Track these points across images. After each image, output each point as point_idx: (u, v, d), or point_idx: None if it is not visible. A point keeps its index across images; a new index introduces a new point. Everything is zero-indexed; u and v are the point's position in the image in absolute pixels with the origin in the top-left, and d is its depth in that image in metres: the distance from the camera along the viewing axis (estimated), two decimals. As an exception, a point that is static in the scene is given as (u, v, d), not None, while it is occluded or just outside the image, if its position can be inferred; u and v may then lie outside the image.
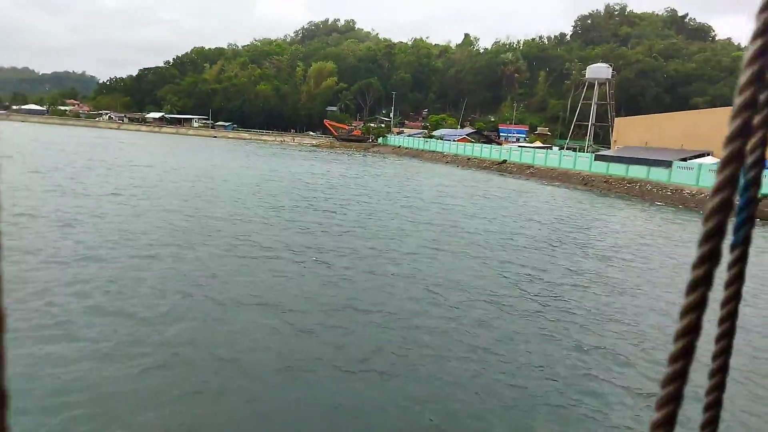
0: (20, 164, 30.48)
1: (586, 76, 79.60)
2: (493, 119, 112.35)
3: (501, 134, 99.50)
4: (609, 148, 63.80)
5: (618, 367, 8.38)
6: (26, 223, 15.25)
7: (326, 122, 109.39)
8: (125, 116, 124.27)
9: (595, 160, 47.04)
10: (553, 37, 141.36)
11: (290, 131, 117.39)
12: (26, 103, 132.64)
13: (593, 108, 76.97)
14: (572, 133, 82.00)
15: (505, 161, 59.11)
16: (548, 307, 11.02)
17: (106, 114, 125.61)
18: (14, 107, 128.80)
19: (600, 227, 22.85)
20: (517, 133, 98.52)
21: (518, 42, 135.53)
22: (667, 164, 38.39)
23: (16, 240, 13.19)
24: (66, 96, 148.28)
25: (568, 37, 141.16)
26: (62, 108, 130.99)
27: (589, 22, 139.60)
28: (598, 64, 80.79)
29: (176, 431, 6.12)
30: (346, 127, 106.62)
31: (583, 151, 62.57)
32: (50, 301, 9.33)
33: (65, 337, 8.02)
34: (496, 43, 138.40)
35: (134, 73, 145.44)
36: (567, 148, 67.23)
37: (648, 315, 11.02)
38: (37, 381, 6.74)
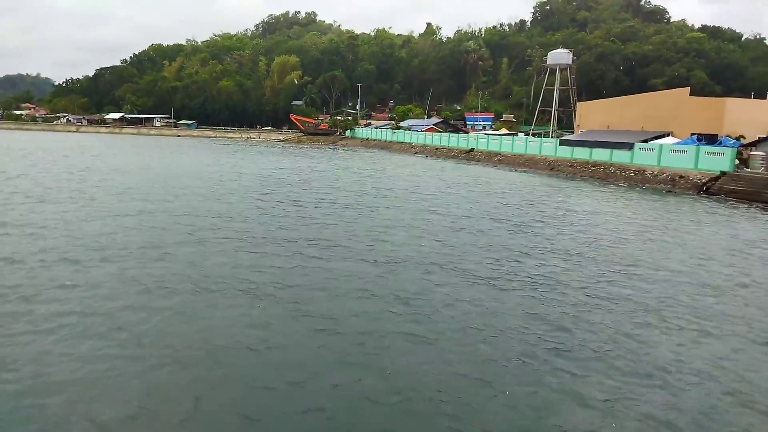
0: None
1: (548, 62, 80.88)
2: (459, 108, 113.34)
3: (467, 123, 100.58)
4: (573, 132, 65.12)
5: (588, 333, 8.83)
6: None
7: (292, 117, 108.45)
8: (84, 118, 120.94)
9: (559, 145, 47.92)
10: (513, 24, 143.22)
11: (256, 127, 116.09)
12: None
13: (556, 93, 78.39)
14: (536, 119, 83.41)
15: (472, 149, 59.83)
16: (526, 285, 11.44)
17: (64, 117, 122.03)
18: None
19: (567, 209, 23.49)
20: (483, 121, 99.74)
21: (480, 30, 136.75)
22: (629, 146, 39.51)
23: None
24: (20, 100, 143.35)
25: (528, 23, 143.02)
26: (17, 112, 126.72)
27: (547, 8, 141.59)
28: (559, 50, 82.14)
29: (180, 427, 6.26)
30: (313, 121, 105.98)
31: (548, 137, 63.73)
32: (31, 308, 9.27)
33: (60, 339, 8.02)
34: (458, 31, 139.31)
35: (91, 73, 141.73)
36: (532, 134, 68.36)
37: (626, 286, 11.55)
38: (42, 386, 6.78)
